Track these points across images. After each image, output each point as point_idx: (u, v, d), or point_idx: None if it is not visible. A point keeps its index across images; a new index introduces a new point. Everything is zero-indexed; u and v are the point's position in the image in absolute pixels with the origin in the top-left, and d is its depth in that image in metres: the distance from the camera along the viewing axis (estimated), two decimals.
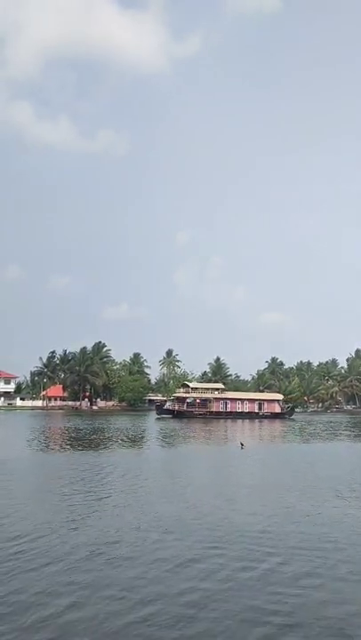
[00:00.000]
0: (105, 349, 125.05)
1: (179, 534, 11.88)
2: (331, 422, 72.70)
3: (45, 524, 12.57)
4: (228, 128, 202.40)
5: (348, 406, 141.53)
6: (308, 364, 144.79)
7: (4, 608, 7.88)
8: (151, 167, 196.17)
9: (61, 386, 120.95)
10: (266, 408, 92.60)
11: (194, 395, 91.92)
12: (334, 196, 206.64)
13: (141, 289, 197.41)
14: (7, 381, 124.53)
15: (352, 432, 53.52)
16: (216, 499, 16.22)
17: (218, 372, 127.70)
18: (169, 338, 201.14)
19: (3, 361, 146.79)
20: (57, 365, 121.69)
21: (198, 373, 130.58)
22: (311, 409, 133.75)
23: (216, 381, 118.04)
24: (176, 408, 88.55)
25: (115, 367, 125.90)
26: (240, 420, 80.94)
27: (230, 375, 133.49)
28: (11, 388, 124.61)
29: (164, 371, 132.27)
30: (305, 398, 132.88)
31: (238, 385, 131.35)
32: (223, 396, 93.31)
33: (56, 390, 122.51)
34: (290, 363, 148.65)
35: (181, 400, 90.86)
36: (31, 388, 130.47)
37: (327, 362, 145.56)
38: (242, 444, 33.87)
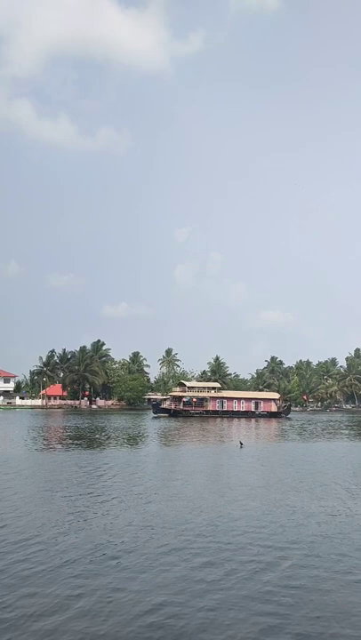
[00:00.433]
0: (104, 348, 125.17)
1: (183, 533, 11.87)
2: (330, 421, 72.70)
3: (50, 523, 12.56)
4: (228, 126, 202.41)
5: (348, 405, 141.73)
6: (308, 362, 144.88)
7: (13, 610, 7.86)
8: (151, 165, 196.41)
9: (61, 385, 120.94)
10: (262, 407, 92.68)
11: (190, 394, 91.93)
12: (335, 195, 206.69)
13: (141, 287, 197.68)
14: (6, 380, 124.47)
15: (351, 431, 53.50)
16: (220, 498, 16.19)
17: (217, 370, 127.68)
18: (168, 337, 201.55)
19: (2, 359, 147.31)
20: (56, 364, 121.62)
21: (198, 372, 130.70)
22: (311, 408, 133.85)
23: (215, 380, 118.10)
24: (173, 407, 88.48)
25: (114, 366, 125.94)
26: (236, 419, 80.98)
27: (230, 374, 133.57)
28: (10, 386, 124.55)
29: (164, 370, 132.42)
30: (304, 397, 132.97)
31: (238, 384, 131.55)
32: (219, 394, 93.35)
33: (55, 389, 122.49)
34: (289, 362, 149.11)
35: (178, 399, 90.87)
36: (30, 386, 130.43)
37: (327, 361, 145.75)
38: (241, 443, 33.88)
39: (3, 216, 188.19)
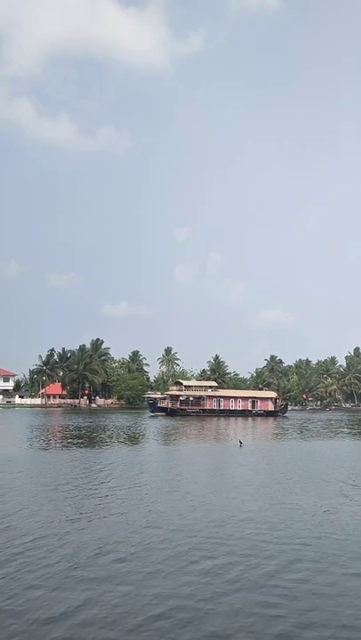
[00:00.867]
0: (104, 347, 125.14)
1: (187, 531, 11.83)
2: (329, 420, 72.70)
3: (52, 522, 12.52)
4: (228, 126, 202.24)
5: (347, 404, 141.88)
6: (307, 361, 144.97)
7: (16, 606, 7.84)
8: (151, 165, 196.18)
9: (60, 384, 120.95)
10: (259, 406, 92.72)
11: (187, 392, 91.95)
12: (335, 195, 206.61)
13: (141, 286, 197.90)
14: (6, 379, 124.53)
15: (351, 430, 53.53)
16: (224, 498, 16.15)
17: (217, 369, 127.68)
18: (168, 336, 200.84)
19: (2, 358, 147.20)
20: (56, 363, 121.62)
21: (197, 371, 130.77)
22: (310, 407, 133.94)
23: (215, 379, 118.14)
24: (170, 406, 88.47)
25: (114, 365, 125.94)
26: (233, 418, 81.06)
27: (229, 373, 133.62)
28: (10, 385, 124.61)
29: (163, 369, 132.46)
30: (304, 396, 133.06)
31: (237, 383, 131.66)
32: (216, 393, 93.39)
33: (55, 388, 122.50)
34: (289, 361, 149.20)
35: (175, 398, 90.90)
36: (30, 385, 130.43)
37: (326, 360, 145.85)
38: (240, 442, 33.91)
39: (3, 216, 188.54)
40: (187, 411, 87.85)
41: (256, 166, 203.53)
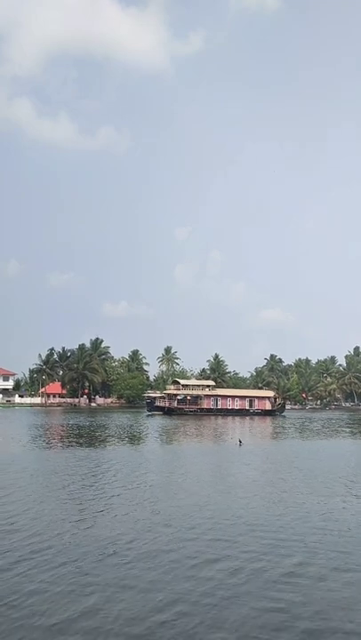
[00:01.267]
0: (103, 346, 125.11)
1: (194, 532, 11.81)
2: (328, 419, 72.66)
3: (58, 523, 12.50)
4: (228, 126, 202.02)
5: (347, 403, 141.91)
6: (307, 361, 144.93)
7: (23, 610, 7.78)
8: (151, 165, 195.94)
9: (60, 383, 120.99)
10: (257, 405, 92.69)
11: (185, 391, 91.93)
12: (335, 195, 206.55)
13: (140, 286, 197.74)
14: (6, 378, 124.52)
15: (351, 429, 53.56)
16: (226, 496, 16.15)
17: (217, 369, 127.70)
18: (168, 336, 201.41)
19: (2, 358, 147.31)
20: (56, 362, 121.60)
21: (197, 370, 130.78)
22: (310, 406, 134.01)
23: (215, 379, 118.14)
24: (167, 405, 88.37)
25: (113, 364, 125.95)
26: (231, 417, 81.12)
27: (229, 372, 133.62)
28: (9, 384, 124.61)
29: (163, 368, 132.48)
30: (304, 395, 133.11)
31: (237, 382, 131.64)
32: (214, 392, 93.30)
33: (55, 387, 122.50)
34: (289, 360, 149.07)
35: (172, 397, 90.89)
36: (30, 384, 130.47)
37: (326, 359, 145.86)
38: (240, 441, 33.95)
39: (3, 215, 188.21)
40: (184, 410, 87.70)
41: (256, 166, 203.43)
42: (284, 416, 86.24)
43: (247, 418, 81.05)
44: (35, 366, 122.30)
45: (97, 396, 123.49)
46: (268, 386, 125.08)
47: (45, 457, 26.14)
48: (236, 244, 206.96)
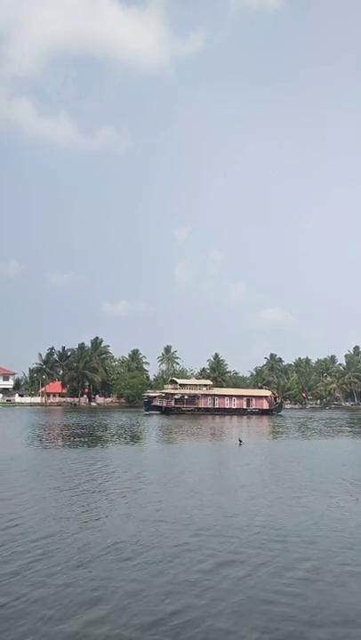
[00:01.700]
0: (103, 345, 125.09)
1: (196, 530, 11.83)
2: (330, 419, 72.65)
3: (60, 520, 12.51)
4: (229, 125, 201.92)
5: (347, 403, 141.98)
6: (307, 360, 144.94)
7: (27, 605, 7.79)
8: (151, 165, 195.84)
9: (60, 382, 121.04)
10: (254, 404, 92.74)
11: (182, 391, 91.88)
12: (335, 195, 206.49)
13: (140, 285, 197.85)
14: (6, 378, 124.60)
15: (351, 429, 53.61)
16: (231, 496, 16.16)
17: (217, 368, 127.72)
18: (168, 335, 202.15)
19: (2, 357, 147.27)
20: (56, 362, 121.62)
21: (197, 370, 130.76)
22: (310, 405, 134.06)
23: (215, 378, 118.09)
24: (164, 404, 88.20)
25: (113, 363, 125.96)
26: (228, 417, 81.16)
27: (229, 372, 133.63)
28: (9, 384, 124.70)
29: (163, 367, 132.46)
30: (303, 395, 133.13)
31: (237, 381, 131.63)
32: (211, 392, 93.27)
33: (55, 387, 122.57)
34: (289, 359, 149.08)
35: (169, 396, 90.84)
36: (30, 384, 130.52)
37: (326, 358, 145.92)
38: (240, 441, 33.99)
39: (3, 215, 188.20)
40: (181, 409, 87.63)
41: (256, 166, 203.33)
42: (282, 415, 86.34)
43: (244, 417, 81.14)
44: (35, 366, 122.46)
45: (97, 396, 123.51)
46: (268, 385, 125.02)
47: (47, 456, 26.16)
48: (236, 244, 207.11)
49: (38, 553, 10.24)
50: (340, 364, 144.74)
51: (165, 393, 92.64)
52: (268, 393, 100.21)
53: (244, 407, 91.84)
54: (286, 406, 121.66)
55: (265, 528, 12.23)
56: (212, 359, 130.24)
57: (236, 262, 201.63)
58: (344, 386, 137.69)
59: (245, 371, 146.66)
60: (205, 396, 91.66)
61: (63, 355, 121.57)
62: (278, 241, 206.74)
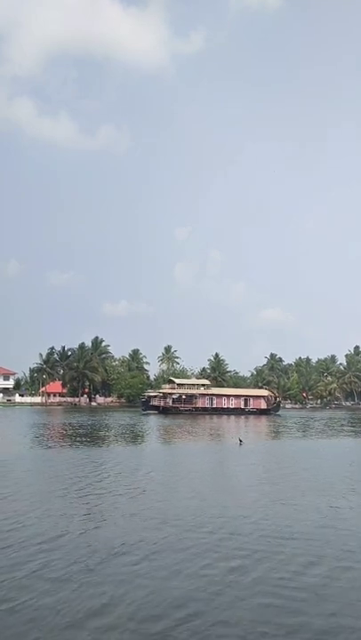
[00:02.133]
0: (104, 345, 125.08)
1: (203, 531, 11.79)
2: (330, 418, 72.61)
3: (66, 522, 12.48)
4: (229, 125, 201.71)
5: (347, 402, 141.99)
6: (307, 360, 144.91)
7: (35, 610, 7.75)
8: (151, 165, 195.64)
9: (60, 382, 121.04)
10: (252, 404, 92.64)
11: (180, 390, 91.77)
12: (335, 195, 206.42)
13: (141, 285, 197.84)
14: (6, 377, 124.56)
15: (350, 428, 53.60)
16: (236, 496, 16.13)
17: (217, 368, 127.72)
18: (168, 335, 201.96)
19: (2, 357, 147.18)
20: (56, 361, 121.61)
21: (197, 369, 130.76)
22: (310, 405, 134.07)
23: (215, 378, 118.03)
24: (162, 404, 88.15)
25: (114, 363, 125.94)
26: (226, 416, 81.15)
27: (230, 371, 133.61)
28: (10, 384, 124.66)
29: (163, 367, 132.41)
30: (304, 395, 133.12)
31: (237, 381, 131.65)
32: (209, 392, 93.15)
33: (55, 386, 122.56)
34: (289, 359, 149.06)
35: (167, 396, 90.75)
36: (30, 384, 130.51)
37: (326, 358, 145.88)
38: (240, 441, 33.99)
39: (3, 215, 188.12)
40: (179, 409, 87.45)
41: (256, 166, 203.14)
42: (280, 415, 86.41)
43: (242, 417, 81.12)
44: (35, 365, 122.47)
45: (97, 396, 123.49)
46: (268, 385, 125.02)
47: (51, 456, 26.14)
48: (236, 244, 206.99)
49: (45, 555, 10.20)
50: (340, 364, 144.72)
51: (163, 393, 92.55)
52: (265, 393, 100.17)
53: (242, 407, 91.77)
54: (287, 406, 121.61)
55: (273, 529, 12.20)
56: (212, 359, 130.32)
57: (236, 262, 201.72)
58: (344, 385, 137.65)
59: (246, 370, 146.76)
60: (203, 395, 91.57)
61: (63, 354, 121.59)
62: (278, 241, 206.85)
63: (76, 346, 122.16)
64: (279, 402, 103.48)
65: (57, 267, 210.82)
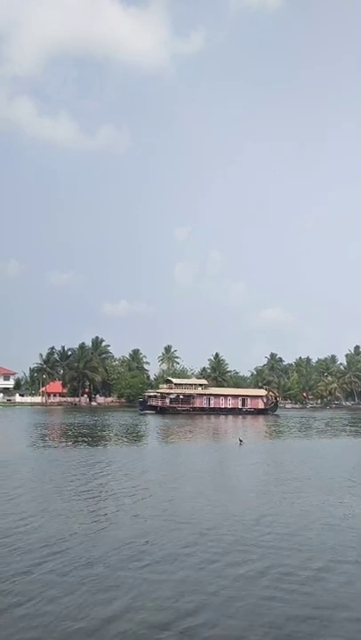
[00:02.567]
0: (104, 345, 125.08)
1: (209, 531, 11.77)
2: (331, 418, 72.59)
3: (72, 523, 12.46)
4: (229, 125, 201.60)
5: (348, 402, 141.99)
6: (308, 360, 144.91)
7: (43, 616, 7.67)
8: (151, 165, 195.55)
9: (60, 382, 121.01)
10: (249, 404, 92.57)
11: (177, 390, 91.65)
12: (335, 195, 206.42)
13: (141, 285, 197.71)
14: (6, 377, 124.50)
15: (352, 428, 53.56)
16: (239, 495, 16.14)
17: (217, 368, 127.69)
18: (168, 335, 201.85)
19: (2, 357, 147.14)
20: (56, 361, 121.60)
21: (197, 369, 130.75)
22: (310, 405, 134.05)
23: (215, 378, 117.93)
24: (159, 404, 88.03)
25: (114, 363, 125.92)
26: (223, 416, 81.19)
27: (230, 371, 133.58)
28: (10, 384, 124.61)
29: (164, 367, 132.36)
30: (304, 394, 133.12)
31: (238, 381, 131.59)
32: (206, 391, 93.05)
33: (55, 386, 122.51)
34: (289, 359, 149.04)
35: (165, 396, 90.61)
36: (30, 384, 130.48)
37: (326, 358, 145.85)
38: (240, 441, 33.98)
39: (3, 215, 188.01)
40: (177, 409, 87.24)
41: (256, 166, 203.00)
42: (277, 415, 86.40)
43: (240, 417, 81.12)
44: (35, 365, 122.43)
45: (97, 395, 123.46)
46: (268, 385, 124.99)
47: (53, 456, 26.15)
48: (236, 244, 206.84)
49: (48, 552, 10.23)
50: (340, 364, 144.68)
51: (161, 393, 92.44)
52: (263, 392, 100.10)
53: (240, 407, 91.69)
54: (287, 406, 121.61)
55: (274, 527, 12.24)
56: (212, 359, 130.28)
57: (236, 262, 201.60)
58: (345, 385, 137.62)
59: (246, 370, 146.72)
60: (201, 395, 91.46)
61: (64, 354, 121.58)
62: (278, 241, 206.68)
63: (76, 346, 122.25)
64: (277, 402, 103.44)
65: (57, 267, 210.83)
